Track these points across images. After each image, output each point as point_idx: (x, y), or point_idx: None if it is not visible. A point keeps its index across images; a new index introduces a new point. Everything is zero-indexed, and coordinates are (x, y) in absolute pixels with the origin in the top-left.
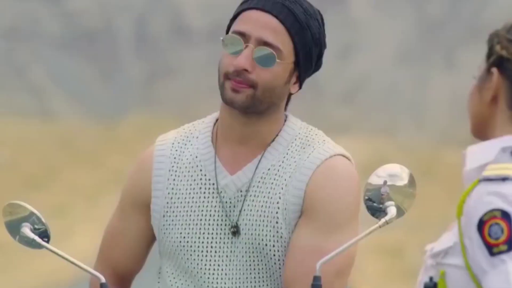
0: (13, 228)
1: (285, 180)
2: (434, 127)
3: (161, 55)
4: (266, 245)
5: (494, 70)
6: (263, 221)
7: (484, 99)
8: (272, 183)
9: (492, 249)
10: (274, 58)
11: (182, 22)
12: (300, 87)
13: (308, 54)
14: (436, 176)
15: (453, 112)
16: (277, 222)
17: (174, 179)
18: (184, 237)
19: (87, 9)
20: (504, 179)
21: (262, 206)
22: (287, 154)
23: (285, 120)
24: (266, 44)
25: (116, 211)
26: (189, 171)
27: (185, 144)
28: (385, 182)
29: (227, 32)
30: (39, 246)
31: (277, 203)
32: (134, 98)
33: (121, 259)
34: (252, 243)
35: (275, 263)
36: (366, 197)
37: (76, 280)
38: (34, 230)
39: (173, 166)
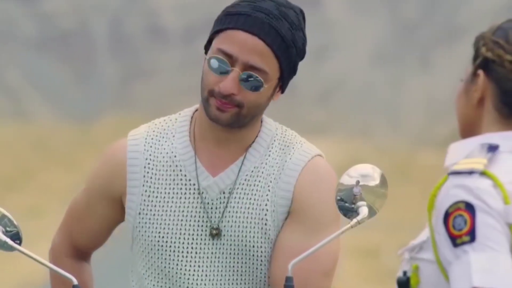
0: None
1: (271, 182)
2: (410, 128)
3: (136, 57)
4: (253, 246)
5: (480, 72)
6: (250, 222)
7: (471, 101)
8: (256, 185)
9: (455, 240)
10: (262, 84)
11: (157, 23)
12: (282, 92)
13: (293, 68)
14: (412, 177)
15: (429, 113)
16: (265, 224)
17: (151, 177)
18: (162, 237)
19: (62, 10)
20: (470, 172)
21: (247, 208)
22: (268, 155)
23: (261, 121)
24: (252, 67)
25: (82, 194)
26: (166, 170)
27: (159, 141)
28: (357, 182)
29: (208, 42)
30: (11, 249)
31: (265, 205)
32: (109, 100)
33: (82, 239)
34: (237, 245)
35: (260, 264)
36: (338, 197)
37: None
38: (6, 233)
39: (148, 163)
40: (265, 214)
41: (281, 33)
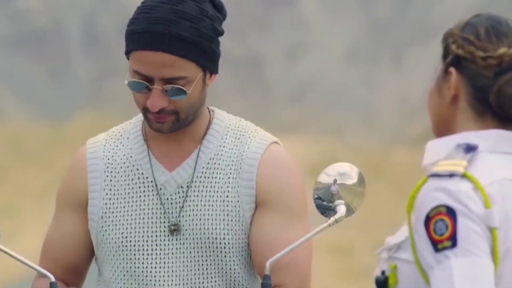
0: None
1: (231, 173)
2: (383, 127)
3: (110, 55)
4: (215, 238)
5: (452, 69)
6: (211, 215)
7: (444, 99)
8: (214, 177)
9: (437, 245)
10: (185, 90)
11: None
12: (216, 73)
13: (212, 54)
14: (385, 175)
15: (402, 112)
16: (227, 215)
17: (111, 180)
18: (126, 237)
19: (36, 8)
20: (451, 175)
21: (207, 200)
22: (223, 146)
23: (210, 113)
24: (170, 79)
25: (54, 219)
26: (125, 171)
27: (117, 146)
28: (335, 181)
29: (126, 53)
30: None
31: (227, 196)
32: (83, 98)
33: (70, 258)
34: (199, 239)
35: (225, 256)
36: (316, 196)
37: (23, 279)
38: None
39: (107, 167)
40: (227, 206)
41: (182, 37)
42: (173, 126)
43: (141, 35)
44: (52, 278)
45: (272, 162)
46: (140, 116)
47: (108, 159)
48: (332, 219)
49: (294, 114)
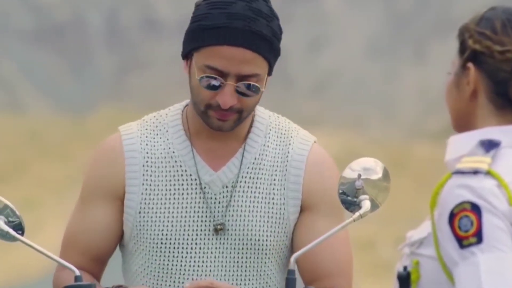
0: None
1: (276, 174)
2: (404, 120)
3: (131, 48)
4: (258, 240)
5: (470, 65)
6: (255, 216)
7: (463, 95)
8: (259, 178)
9: (462, 242)
10: (259, 88)
11: (153, 15)
12: (271, 74)
13: (278, 54)
14: (406, 169)
15: (422, 105)
16: (271, 217)
17: (150, 175)
18: (166, 234)
19: (57, 2)
20: (475, 172)
21: (252, 201)
22: (267, 146)
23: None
24: (245, 76)
25: (78, 208)
26: (165, 166)
27: (154, 138)
28: (359, 176)
29: (185, 49)
30: (13, 239)
31: (272, 198)
32: (104, 92)
33: (97, 250)
34: (241, 239)
35: (265, 259)
36: (340, 191)
37: (44, 275)
38: (8, 223)
39: (147, 161)
40: (272, 207)
41: (262, 34)
42: (233, 125)
43: (221, 30)
44: (77, 272)
45: (318, 165)
46: (176, 109)
47: (147, 152)
48: (357, 214)
49: (315, 107)
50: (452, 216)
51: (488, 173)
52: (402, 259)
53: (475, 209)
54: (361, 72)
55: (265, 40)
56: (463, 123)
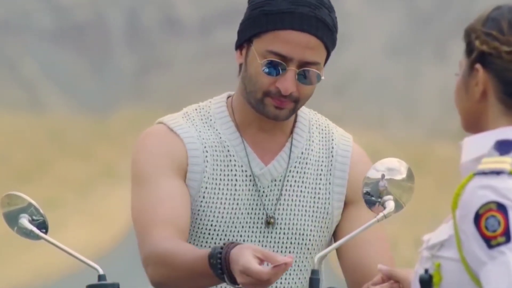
0: (11, 219)
1: (321, 169)
2: (425, 120)
3: (152, 48)
4: (303, 234)
5: (478, 66)
6: (301, 210)
7: (472, 96)
8: (306, 172)
9: (490, 242)
10: (320, 77)
11: (174, 14)
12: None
13: (335, 45)
14: (428, 169)
15: (444, 105)
16: (316, 211)
17: (209, 162)
18: (215, 225)
19: (78, 1)
20: (498, 173)
21: (298, 195)
22: (311, 141)
23: None
24: (307, 63)
25: (143, 188)
26: (219, 155)
27: (203, 128)
28: (383, 176)
29: (243, 36)
30: (37, 237)
31: (317, 193)
32: (125, 91)
33: (177, 217)
34: (288, 233)
35: (310, 254)
36: (365, 191)
37: (66, 274)
38: (32, 221)
39: (205, 147)
40: (317, 202)
41: (326, 22)
42: (289, 114)
43: (286, 15)
44: (101, 271)
45: (361, 160)
46: (219, 101)
47: (203, 138)
48: (381, 214)
49: (336, 107)
50: (478, 217)
51: (511, 173)
52: (420, 262)
53: (501, 208)
54: (382, 71)
55: (328, 29)
56: (473, 123)
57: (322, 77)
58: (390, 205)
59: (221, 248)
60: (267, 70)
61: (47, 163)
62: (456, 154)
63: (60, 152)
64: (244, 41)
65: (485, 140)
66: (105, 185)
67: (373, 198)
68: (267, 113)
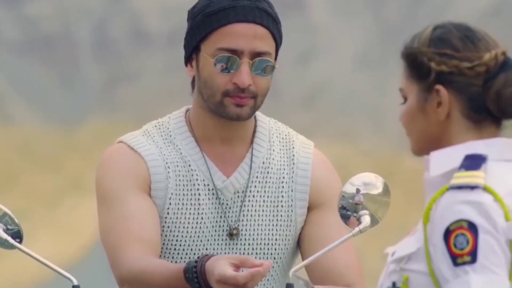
0: None
1: (283, 177)
2: (394, 132)
3: (120, 60)
4: (267, 244)
5: (439, 87)
6: (264, 220)
7: (434, 118)
8: (268, 181)
9: (456, 259)
10: (273, 66)
11: (141, 26)
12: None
13: (280, 45)
14: (396, 181)
15: None
16: (279, 220)
17: (172, 178)
18: (180, 240)
19: (46, 14)
20: (473, 187)
21: (261, 205)
22: (272, 150)
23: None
24: (259, 53)
25: (110, 207)
26: (181, 171)
27: (163, 144)
28: (357, 190)
29: (191, 46)
30: (11, 247)
31: (280, 201)
32: (93, 103)
33: (156, 236)
34: (251, 244)
35: (276, 263)
36: (340, 206)
37: (39, 284)
38: (7, 231)
39: (166, 163)
40: (279, 211)
41: (268, 12)
42: (250, 112)
43: (229, 10)
44: (75, 281)
45: (323, 165)
46: (178, 116)
47: (164, 154)
48: (357, 229)
49: (305, 119)
50: (448, 233)
51: (485, 188)
52: (386, 275)
53: (472, 228)
54: (350, 83)
55: (272, 19)
56: (432, 144)
57: (276, 66)
58: (366, 220)
59: (196, 261)
60: (220, 68)
61: (15, 175)
62: (424, 166)
63: (28, 164)
64: (192, 51)
65: (454, 154)
66: (73, 197)
67: (348, 212)
68: (228, 114)
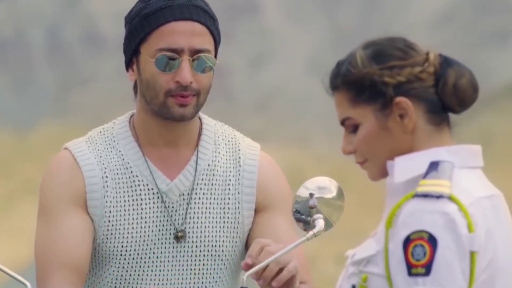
0: None
1: (230, 179)
2: None
3: (74, 64)
4: (214, 246)
5: (401, 99)
6: (211, 222)
7: (401, 131)
8: (214, 184)
9: (411, 269)
10: (214, 62)
11: (95, 31)
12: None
13: (220, 39)
14: (350, 185)
15: None
16: (226, 222)
17: (109, 187)
18: (125, 245)
19: None
20: (438, 196)
21: (207, 207)
22: (218, 152)
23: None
24: (198, 51)
25: (47, 220)
26: (122, 178)
27: (106, 151)
28: (311, 195)
29: (130, 50)
30: None
31: (227, 203)
32: (47, 108)
33: (80, 260)
34: (199, 246)
35: (224, 264)
36: (295, 209)
37: None
38: None
39: (105, 173)
40: (226, 213)
41: (205, 9)
42: (194, 111)
43: (165, 10)
44: (29, 286)
45: (269, 167)
46: (122, 121)
47: (103, 164)
48: (311, 233)
49: (258, 123)
50: (408, 241)
51: (450, 197)
52: (345, 278)
53: (432, 241)
54: (304, 88)
55: (209, 16)
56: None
57: (217, 61)
58: (320, 223)
59: None
60: (162, 67)
61: None
62: None
63: None
64: (132, 55)
65: (419, 161)
66: (26, 201)
67: (303, 216)
68: (172, 115)
